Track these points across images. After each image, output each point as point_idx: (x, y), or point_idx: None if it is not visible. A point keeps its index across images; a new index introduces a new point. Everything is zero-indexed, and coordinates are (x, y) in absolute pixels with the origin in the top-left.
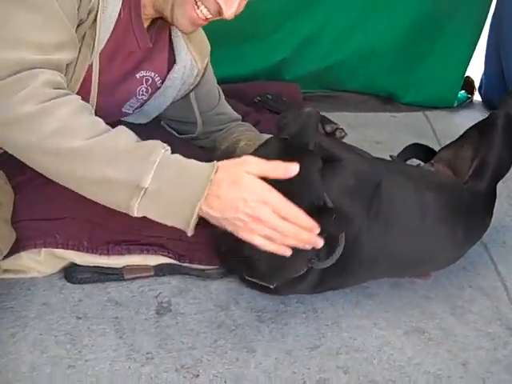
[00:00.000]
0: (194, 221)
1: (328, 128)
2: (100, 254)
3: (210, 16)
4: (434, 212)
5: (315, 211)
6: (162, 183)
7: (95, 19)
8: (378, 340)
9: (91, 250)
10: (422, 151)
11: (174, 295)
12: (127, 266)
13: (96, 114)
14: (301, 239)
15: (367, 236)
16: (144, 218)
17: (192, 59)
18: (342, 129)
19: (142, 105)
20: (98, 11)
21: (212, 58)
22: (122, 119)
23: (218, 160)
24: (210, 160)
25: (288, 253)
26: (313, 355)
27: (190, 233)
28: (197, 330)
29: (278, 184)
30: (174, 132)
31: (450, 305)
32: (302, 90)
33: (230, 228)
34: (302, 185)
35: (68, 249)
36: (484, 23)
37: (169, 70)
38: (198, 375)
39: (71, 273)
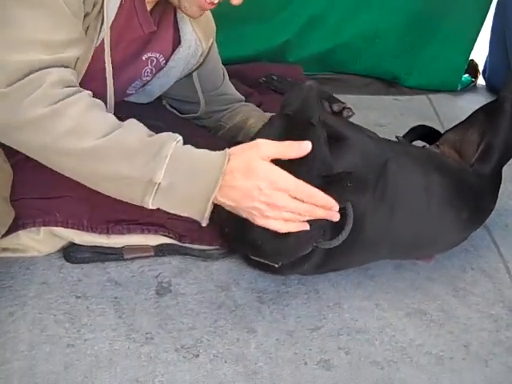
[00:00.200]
0: (208, 212)
1: (335, 107)
2: (100, 233)
3: (216, 0)
4: (440, 194)
5: (328, 183)
6: (174, 178)
7: (99, 11)
8: (380, 321)
9: (91, 228)
10: (428, 133)
11: (174, 275)
12: (127, 245)
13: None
14: (317, 216)
15: (372, 217)
16: None
17: (197, 39)
18: (349, 108)
19: (144, 85)
20: (103, 3)
21: (215, 39)
22: (125, 99)
23: (226, 136)
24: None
25: (306, 227)
26: (314, 336)
27: (204, 223)
28: (197, 311)
29: (286, 161)
30: (175, 111)
31: (452, 287)
32: (305, 72)
33: (245, 215)
34: (310, 159)
35: (68, 227)
36: (489, 6)
37: (173, 50)
38: (198, 355)
39: (70, 252)
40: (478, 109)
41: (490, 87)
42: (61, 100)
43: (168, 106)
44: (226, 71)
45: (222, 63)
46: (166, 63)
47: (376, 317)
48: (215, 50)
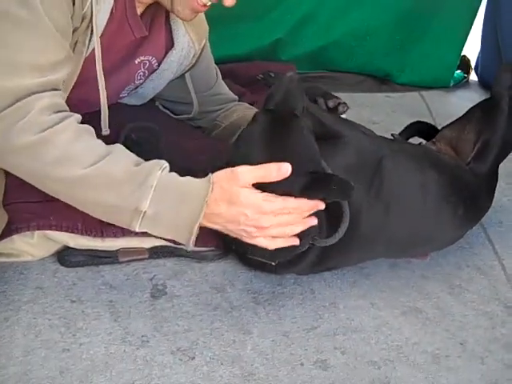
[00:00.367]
0: (193, 238)
1: (331, 103)
2: (94, 237)
3: (209, 3)
4: (435, 191)
5: (314, 181)
6: (159, 207)
7: (88, 25)
8: (376, 320)
9: (85, 232)
10: (425, 129)
11: (169, 278)
12: (122, 248)
13: (94, 102)
14: (305, 215)
15: (368, 214)
16: None
17: (190, 41)
18: (344, 103)
19: (137, 87)
20: (91, 17)
21: (208, 39)
22: (118, 101)
23: (221, 136)
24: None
25: (296, 242)
26: (310, 336)
27: (189, 247)
28: (192, 313)
29: (273, 157)
30: (168, 112)
31: (447, 284)
32: (298, 71)
33: (234, 235)
34: (296, 153)
35: (62, 231)
36: (480, 3)
37: (166, 52)
38: (194, 357)
39: (65, 256)
40: (475, 106)
41: (483, 83)
42: (49, 127)
43: (161, 107)
44: (219, 71)
45: (215, 63)
46: (158, 66)
47: (372, 316)
48: (208, 51)
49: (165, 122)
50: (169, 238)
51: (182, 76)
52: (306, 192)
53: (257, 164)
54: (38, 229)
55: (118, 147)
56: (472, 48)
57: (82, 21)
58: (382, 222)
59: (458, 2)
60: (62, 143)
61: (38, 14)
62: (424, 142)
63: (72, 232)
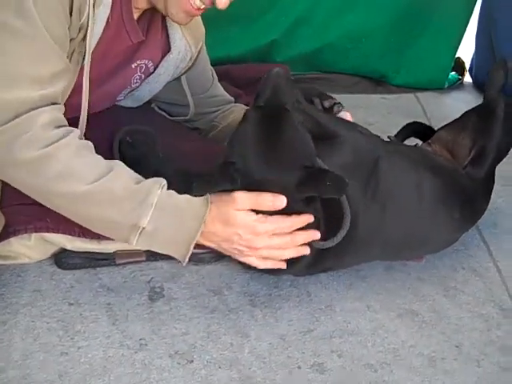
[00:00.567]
0: (189, 255)
1: (326, 103)
2: (91, 239)
3: (203, 6)
4: (431, 194)
5: (312, 175)
6: (158, 224)
7: (84, 36)
8: (372, 323)
9: (82, 234)
10: (421, 130)
11: (166, 280)
12: (118, 251)
13: (90, 106)
14: (297, 243)
15: (364, 216)
16: None
17: (186, 45)
18: (339, 103)
19: (133, 90)
20: (87, 28)
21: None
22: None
23: (218, 137)
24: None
25: (284, 266)
26: (307, 339)
27: (184, 263)
28: (190, 316)
29: (270, 152)
30: (165, 114)
31: (443, 286)
32: (293, 72)
33: (227, 253)
34: (290, 147)
35: (59, 233)
36: (474, 5)
37: (162, 56)
38: (191, 361)
39: (62, 259)
40: (470, 111)
41: (477, 84)
42: (53, 143)
43: (157, 109)
44: (215, 73)
45: (211, 65)
46: (154, 69)
47: (368, 318)
48: (204, 53)
49: (161, 124)
50: (164, 253)
51: (178, 78)
52: (301, 187)
53: (253, 163)
54: (36, 231)
55: (118, 163)
56: (466, 50)
57: (79, 31)
58: (378, 224)
59: (453, 5)
60: (65, 158)
61: (36, 24)
62: (420, 142)
63: (69, 234)
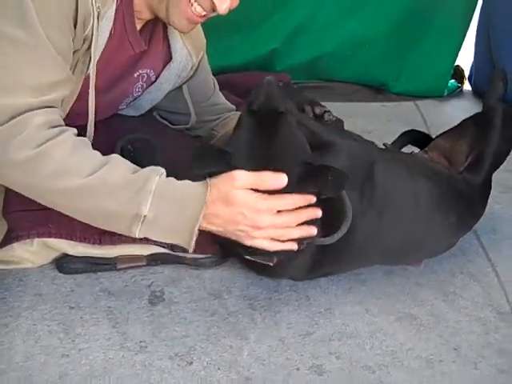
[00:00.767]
0: (193, 240)
1: (317, 110)
2: (93, 244)
3: (204, 13)
4: (428, 200)
5: (312, 171)
6: (159, 211)
7: (89, 47)
8: (371, 326)
9: (84, 239)
10: (419, 138)
11: (166, 284)
12: (120, 256)
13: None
14: (301, 220)
15: (361, 222)
16: None
17: (188, 54)
18: (329, 111)
19: (135, 99)
20: (92, 40)
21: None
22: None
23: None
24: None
25: (295, 246)
26: (306, 342)
27: (190, 250)
28: (190, 319)
29: (268, 153)
30: (166, 122)
31: (441, 291)
32: (293, 81)
33: (233, 238)
34: (288, 145)
35: (61, 238)
36: (473, 13)
37: (164, 65)
38: (191, 363)
39: (63, 263)
40: (468, 119)
41: (476, 92)
42: (47, 141)
43: (158, 117)
44: (216, 82)
45: (212, 73)
46: (156, 78)
47: (367, 322)
48: (205, 62)
49: (162, 133)
50: (169, 241)
51: (180, 87)
52: (301, 183)
53: (250, 163)
54: (38, 236)
55: (115, 156)
56: (466, 58)
57: (84, 42)
58: (375, 229)
59: (452, 13)
60: (60, 156)
61: (38, 34)
62: (417, 150)
63: (71, 239)
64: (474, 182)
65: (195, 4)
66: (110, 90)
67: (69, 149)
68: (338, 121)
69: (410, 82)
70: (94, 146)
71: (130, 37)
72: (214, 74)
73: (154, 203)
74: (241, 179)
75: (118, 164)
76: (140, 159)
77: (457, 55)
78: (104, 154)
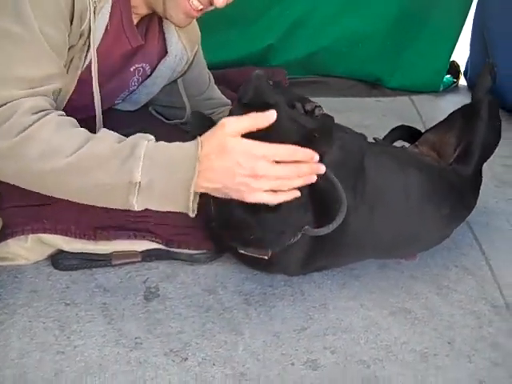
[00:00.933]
0: (192, 202)
1: (308, 107)
2: (87, 239)
3: (201, 7)
4: (419, 192)
5: (304, 143)
6: (152, 174)
7: (85, 42)
8: (365, 320)
9: (79, 235)
10: (409, 133)
11: (161, 280)
12: (115, 252)
13: (90, 108)
14: (304, 173)
15: (354, 216)
16: None
17: (183, 48)
18: (320, 106)
19: (130, 93)
20: (89, 35)
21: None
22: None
23: None
24: None
25: (297, 194)
26: (300, 337)
27: (192, 214)
28: (185, 314)
29: (260, 136)
30: (161, 117)
31: (435, 285)
32: (289, 76)
33: (234, 195)
34: (279, 138)
35: (56, 234)
36: (469, 9)
37: (159, 59)
38: (186, 359)
39: (58, 259)
40: (456, 111)
41: (472, 87)
42: (30, 126)
43: (154, 112)
44: (211, 76)
45: (208, 68)
46: (151, 72)
47: (361, 316)
48: (200, 56)
49: (157, 128)
50: (169, 208)
51: (175, 81)
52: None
53: None
54: (33, 232)
55: (102, 130)
56: (461, 53)
57: (80, 38)
58: (367, 223)
59: (448, 9)
60: (44, 137)
61: (32, 29)
62: (407, 145)
63: (66, 235)
64: (464, 173)
65: None
66: (107, 84)
67: (53, 128)
68: (327, 116)
69: (406, 78)
70: None
71: (128, 32)
72: (209, 69)
73: (145, 168)
74: (231, 125)
75: (104, 137)
76: None
77: (452, 51)
78: None
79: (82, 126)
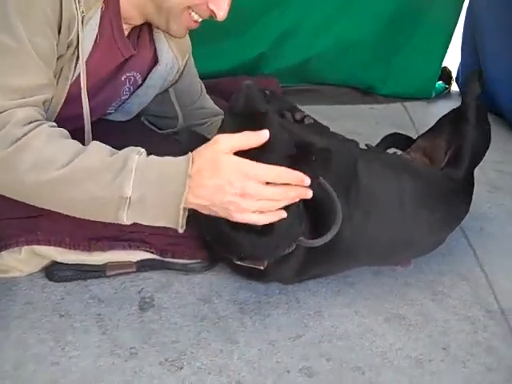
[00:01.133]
0: (182, 218)
1: (297, 116)
2: (82, 250)
3: (201, 19)
4: (412, 197)
5: (295, 161)
6: (143, 189)
7: (73, 52)
8: (360, 327)
9: (73, 246)
10: (401, 140)
11: (156, 290)
12: (109, 262)
13: (81, 118)
14: (291, 198)
15: (347, 223)
16: None
17: (173, 57)
18: (309, 115)
19: (123, 102)
20: (78, 45)
21: (191, 54)
22: (103, 117)
23: None
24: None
25: (284, 215)
26: (296, 344)
27: (181, 230)
28: (180, 324)
29: (252, 152)
30: (154, 128)
31: (430, 291)
32: (282, 84)
33: (222, 213)
34: (274, 143)
35: (50, 245)
36: (459, 15)
37: (150, 68)
38: (182, 368)
39: (53, 271)
40: (444, 117)
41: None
42: (23, 136)
43: (146, 123)
44: (203, 85)
45: (200, 78)
46: (143, 81)
47: (356, 323)
48: (191, 65)
49: (150, 138)
50: (158, 223)
51: (167, 90)
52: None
53: None
54: (27, 244)
55: (93, 142)
56: (453, 59)
57: (68, 48)
58: (361, 230)
59: (438, 15)
60: (36, 148)
61: (20, 39)
62: (399, 152)
63: (59, 246)
64: (455, 177)
65: (193, 13)
66: (98, 94)
67: (45, 139)
68: (317, 124)
69: (398, 84)
70: None
71: (119, 43)
72: (202, 79)
73: (136, 182)
74: (224, 142)
75: (96, 149)
76: None
77: (443, 57)
78: None
79: (72, 137)
